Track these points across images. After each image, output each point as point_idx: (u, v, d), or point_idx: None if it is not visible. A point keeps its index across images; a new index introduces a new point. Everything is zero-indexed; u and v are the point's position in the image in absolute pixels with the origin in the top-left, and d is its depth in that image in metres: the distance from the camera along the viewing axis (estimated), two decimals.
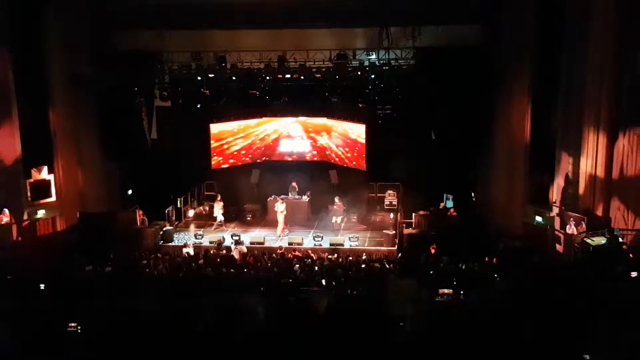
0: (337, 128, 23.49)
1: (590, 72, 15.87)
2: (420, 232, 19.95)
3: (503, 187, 20.30)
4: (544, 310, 8.83)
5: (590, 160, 16.05)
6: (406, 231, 20.19)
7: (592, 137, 15.98)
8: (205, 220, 23.06)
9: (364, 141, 22.50)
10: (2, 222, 18.10)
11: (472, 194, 22.38)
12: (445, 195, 21.29)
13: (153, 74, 21.85)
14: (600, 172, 15.82)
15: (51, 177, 20.32)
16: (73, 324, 7.01)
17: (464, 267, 15.18)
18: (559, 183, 17.53)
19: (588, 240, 14.43)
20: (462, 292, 10.82)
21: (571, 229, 16.00)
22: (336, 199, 21.77)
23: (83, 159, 22.04)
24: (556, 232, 16.70)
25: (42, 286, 11.89)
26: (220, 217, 22.10)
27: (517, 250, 16.93)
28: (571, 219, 16.14)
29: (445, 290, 10.79)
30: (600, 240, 14.34)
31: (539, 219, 18.15)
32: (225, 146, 23.83)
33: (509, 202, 20.00)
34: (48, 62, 20.07)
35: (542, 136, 18.24)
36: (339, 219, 21.61)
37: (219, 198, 22.29)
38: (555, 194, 17.85)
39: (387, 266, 16.33)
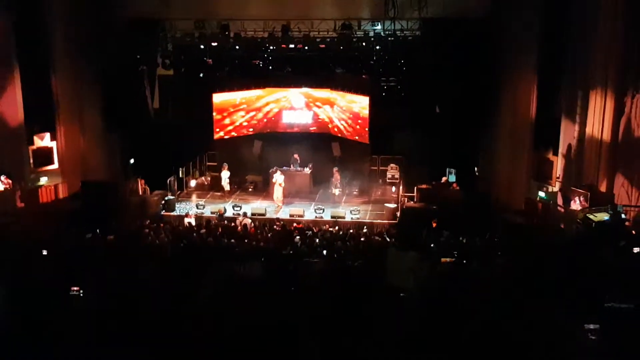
0: (340, 100, 23.31)
1: (600, 40, 15.66)
2: (422, 206, 19.88)
3: (506, 162, 20.18)
4: (544, 285, 8.82)
5: (597, 125, 15.86)
6: (407, 205, 20.14)
7: (598, 103, 15.79)
8: (207, 191, 23.07)
9: (367, 113, 22.33)
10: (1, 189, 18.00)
11: (475, 169, 22.28)
12: (447, 169, 21.19)
13: (156, 42, 21.68)
14: (606, 138, 15.64)
15: (53, 144, 20.27)
16: (75, 288, 7.03)
17: (465, 241, 15.18)
18: (562, 158, 17.44)
19: (590, 216, 14.37)
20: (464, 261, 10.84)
21: (574, 204, 15.93)
22: (334, 170, 21.74)
23: (85, 126, 21.91)
24: (559, 208, 16.64)
25: (44, 252, 11.91)
26: (227, 187, 22.08)
27: (519, 226, 16.89)
28: (574, 194, 16.07)
29: (448, 259, 10.82)
30: (603, 216, 14.28)
31: (542, 194, 18.08)
32: (228, 116, 23.70)
33: (512, 177, 19.90)
34: (51, 29, 19.87)
35: (547, 111, 18.10)
36: (336, 191, 21.60)
37: (226, 167, 22.23)
38: (559, 169, 17.77)
39: (388, 239, 16.35)
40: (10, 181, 18.10)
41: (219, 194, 22.45)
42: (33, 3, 19.17)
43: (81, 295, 6.95)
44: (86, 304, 6.69)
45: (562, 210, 16.32)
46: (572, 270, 9.41)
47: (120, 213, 18.02)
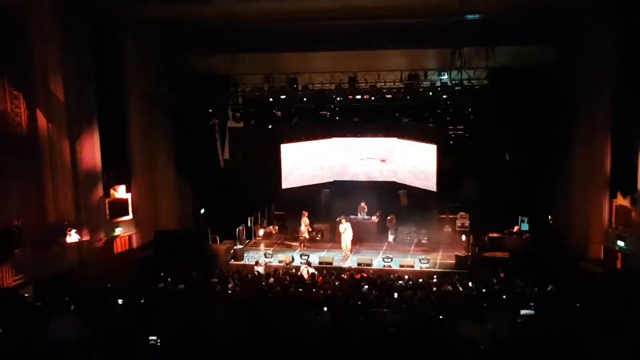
0: (408, 148, 23.27)
1: None
2: (494, 256, 19.40)
3: (582, 210, 19.52)
4: (625, 336, 8.39)
5: None
6: (479, 254, 19.70)
7: None
8: (275, 240, 23.26)
9: (434, 162, 22.17)
10: (69, 241, 18.58)
11: (549, 217, 21.64)
12: (520, 217, 20.70)
13: (227, 95, 22.33)
14: None
15: (128, 195, 20.96)
16: (153, 337, 7.15)
17: (539, 290, 14.67)
18: None
19: None
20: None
21: None
22: (389, 217, 21.77)
23: (158, 177, 22.69)
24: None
25: (119, 301, 12.21)
26: (306, 234, 22.28)
27: (597, 275, 16.23)
28: None
29: (527, 311, 10.48)
30: None
31: (621, 243, 17.33)
32: (296, 166, 23.99)
33: (588, 226, 19.20)
34: (127, 83, 20.89)
35: (624, 157, 17.45)
36: (391, 237, 21.41)
37: (306, 214, 22.42)
38: (638, 217, 17.01)
39: (460, 289, 15.96)
40: (80, 234, 18.67)
41: (294, 242, 22.66)
42: (111, 59, 20.10)
43: (159, 344, 7.05)
44: (164, 353, 6.77)
45: None
46: None
47: (191, 262, 18.28)
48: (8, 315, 10.05)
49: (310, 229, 22.50)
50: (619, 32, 17.41)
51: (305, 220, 22.33)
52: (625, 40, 17.18)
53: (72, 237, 18.42)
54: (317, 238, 22.86)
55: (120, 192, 20.69)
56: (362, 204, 22.67)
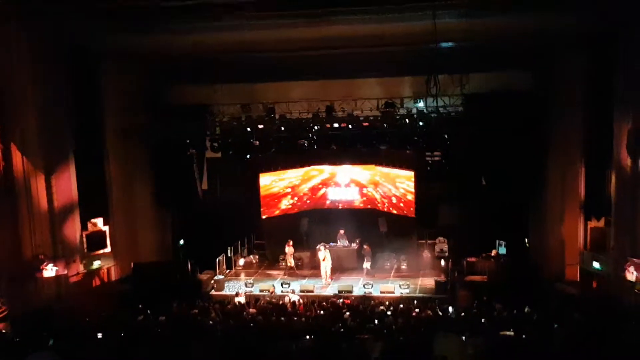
0: (386, 175, 23.49)
1: None
2: (472, 280, 19.56)
3: (558, 233, 19.82)
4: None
5: None
6: (457, 278, 19.84)
7: None
8: (255, 269, 23.23)
9: (412, 188, 22.39)
10: (46, 276, 18.33)
11: (526, 240, 21.91)
12: (497, 241, 20.93)
13: (204, 125, 22.40)
14: None
15: (107, 228, 20.79)
16: None
17: (517, 313, 14.80)
18: (616, 227, 16.95)
19: None
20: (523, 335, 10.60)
21: (630, 275, 15.42)
22: (365, 245, 21.87)
23: (137, 209, 22.56)
24: (615, 279, 16.14)
25: (99, 335, 12.08)
26: (291, 262, 22.27)
27: (573, 297, 16.43)
28: (630, 265, 15.57)
29: (507, 333, 10.60)
30: None
31: (596, 265, 17.60)
32: (275, 195, 24.05)
33: (564, 248, 19.49)
34: (104, 114, 20.78)
35: (598, 180, 17.81)
36: (368, 265, 21.50)
37: (290, 243, 22.43)
38: (612, 239, 17.30)
39: (440, 313, 16.06)
40: (57, 267, 18.46)
41: (274, 271, 22.80)
42: (87, 90, 20.01)
43: None
44: None
45: (619, 281, 15.81)
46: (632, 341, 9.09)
47: (171, 294, 18.14)
48: None
49: (294, 257, 22.49)
50: (590, 60, 17.90)
51: (289, 249, 22.33)
52: (595, 68, 17.65)
53: (50, 271, 18.21)
54: (298, 264, 22.85)
55: (98, 224, 20.52)
56: (341, 231, 22.75)
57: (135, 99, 21.88)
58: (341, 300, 18.22)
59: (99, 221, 20.51)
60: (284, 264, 23.20)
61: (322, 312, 16.43)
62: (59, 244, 18.88)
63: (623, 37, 16.19)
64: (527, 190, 20.93)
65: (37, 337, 12.14)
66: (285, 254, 22.64)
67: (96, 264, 20.31)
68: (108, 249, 20.73)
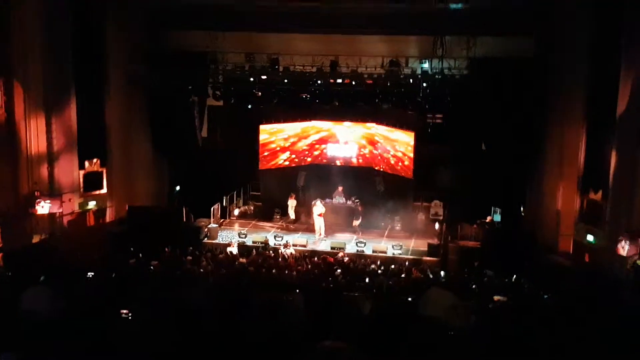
0: (386, 135, 23.37)
1: None
2: (466, 245, 19.65)
3: (553, 203, 19.80)
4: (592, 331, 8.58)
5: None
6: (451, 242, 19.93)
7: None
8: (250, 220, 23.28)
9: (411, 149, 22.29)
10: (40, 212, 18.40)
11: (521, 209, 21.94)
12: (492, 208, 20.95)
13: (207, 73, 22.15)
14: None
15: (103, 169, 20.80)
16: (125, 311, 7.17)
17: (509, 281, 14.92)
18: (613, 202, 16.93)
19: None
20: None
21: (624, 249, 15.47)
22: (354, 200, 21.98)
23: (134, 153, 22.53)
24: (608, 253, 16.20)
25: (90, 274, 12.16)
26: (292, 215, 22.23)
27: (566, 268, 16.52)
28: (624, 239, 15.60)
29: (500, 297, 10.70)
30: None
31: (590, 237, 17.64)
32: (274, 147, 23.96)
33: (559, 219, 19.51)
34: (106, 59, 20.70)
35: (597, 152, 17.71)
36: (358, 222, 21.51)
37: (293, 196, 22.42)
38: (608, 213, 17.30)
39: (430, 276, 16.17)
40: (52, 205, 18.50)
41: (268, 223, 22.84)
42: (90, 36, 19.95)
43: (130, 317, 7.08)
44: (136, 327, 6.79)
45: (612, 254, 15.86)
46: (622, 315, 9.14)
47: (164, 239, 18.21)
48: None
49: (295, 210, 22.48)
50: (594, 26, 17.58)
51: (292, 202, 22.31)
52: (599, 36, 17.37)
53: (44, 208, 18.26)
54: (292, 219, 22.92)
55: (96, 165, 20.52)
56: (340, 189, 22.72)
57: (138, 44, 21.65)
58: (340, 254, 18.30)
59: (96, 162, 20.52)
60: (278, 216, 23.26)
61: (310, 267, 16.51)
62: (55, 181, 18.93)
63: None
64: (526, 157, 20.87)
65: (29, 272, 12.22)
66: (287, 206, 22.61)
67: (91, 204, 20.42)
68: (104, 190, 20.85)
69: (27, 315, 7.01)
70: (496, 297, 11.07)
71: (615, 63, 16.37)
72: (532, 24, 19.75)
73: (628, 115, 16.10)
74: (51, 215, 18.65)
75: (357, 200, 22.10)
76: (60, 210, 18.79)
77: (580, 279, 14.78)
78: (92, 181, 20.51)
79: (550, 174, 20.19)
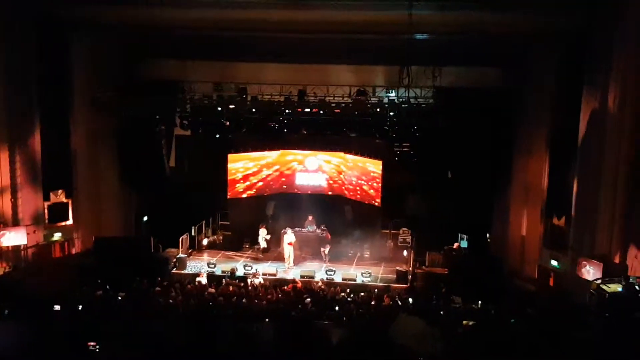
0: (355, 163, 23.56)
1: (610, 123, 15.83)
2: (433, 271, 19.81)
3: (519, 229, 20.20)
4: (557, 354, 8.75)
5: (610, 195, 15.77)
6: (419, 269, 20.08)
7: (611, 174, 15.81)
8: (219, 250, 23.13)
9: (379, 177, 22.49)
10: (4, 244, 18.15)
11: (487, 235, 22.27)
12: (459, 235, 21.20)
13: (175, 102, 22.14)
14: (620, 209, 15.61)
15: (69, 200, 20.54)
16: (92, 343, 7.10)
17: (476, 307, 15.09)
18: (576, 227, 17.34)
19: (604, 287, 14.25)
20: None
21: (587, 274, 15.80)
22: (324, 228, 22.03)
23: (101, 183, 22.26)
24: (572, 277, 16.52)
25: (56, 307, 11.97)
26: (263, 244, 22.15)
27: (531, 293, 16.77)
28: (587, 264, 15.96)
29: (470, 323, 10.81)
30: (617, 287, 14.16)
31: (554, 262, 18.00)
32: (242, 177, 23.95)
33: (524, 245, 19.88)
34: (72, 87, 20.52)
35: (560, 178, 18.16)
36: (327, 250, 21.63)
37: (264, 225, 22.30)
38: (571, 238, 17.70)
39: (399, 303, 16.25)
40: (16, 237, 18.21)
41: (238, 253, 22.66)
42: (56, 62, 19.76)
43: (97, 350, 7.01)
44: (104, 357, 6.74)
45: (575, 279, 16.18)
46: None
47: (132, 270, 17.98)
48: None
49: (266, 240, 22.38)
50: (558, 59, 18.17)
51: (263, 232, 22.23)
52: (563, 68, 17.94)
53: (8, 240, 17.95)
54: (264, 248, 22.82)
55: (61, 196, 20.27)
56: (310, 218, 22.74)
57: (105, 72, 21.48)
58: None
59: (62, 193, 20.27)
60: (247, 245, 23.17)
61: (280, 295, 16.47)
62: (19, 213, 18.63)
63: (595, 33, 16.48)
64: (491, 185, 21.25)
65: None
66: (256, 235, 22.51)
67: (57, 235, 20.14)
68: (70, 222, 20.56)
69: None
70: (465, 322, 11.19)
71: (577, 95, 16.95)
72: (497, 55, 20.25)
73: (588, 144, 16.63)
74: (15, 247, 18.35)
75: (324, 228, 22.17)
76: (25, 243, 18.48)
77: (544, 304, 14.99)
78: (57, 212, 20.22)
79: (515, 200, 20.60)
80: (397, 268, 20.06)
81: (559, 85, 18.25)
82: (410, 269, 19.97)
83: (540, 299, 16.26)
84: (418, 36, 18.62)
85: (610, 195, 15.78)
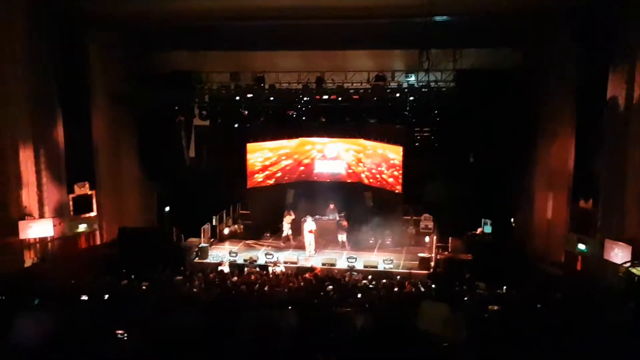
0: (374, 149, 23.43)
1: (637, 102, 15.47)
2: (456, 257, 19.66)
3: (544, 213, 19.88)
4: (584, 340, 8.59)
5: (637, 192, 15.51)
6: (442, 255, 19.95)
7: (637, 174, 15.51)
8: (240, 239, 23.19)
9: (400, 163, 22.34)
10: (31, 237, 18.32)
11: (512, 220, 22.00)
12: (483, 220, 21.00)
13: (193, 93, 22.16)
14: None
15: (93, 192, 20.75)
16: (120, 331, 7.16)
17: (501, 292, 14.93)
18: (603, 210, 16.99)
19: (633, 270, 14.04)
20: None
21: (615, 258, 15.52)
22: (341, 217, 22.03)
23: (123, 174, 22.44)
24: (599, 261, 16.25)
25: (83, 297, 12.10)
26: (289, 231, 22.11)
27: (557, 278, 16.55)
28: (615, 247, 15.66)
29: (495, 307, 10.73)
30: None
31: (581, 246, 17.70)
32: (261, 166, 23.95)
33: (550, 229, 19.58)
34: (90, 81, 20.63)
35: (587, 160, 17.81)
36: (344, 237, 21.51)
37: (290, 212, 22.25)
38: (599, 221, 17.38)
39: (422, 290, 16.15)
40: (43, 229, 18.41)
41: (258, 241, 22.73)
42: (74, 57, 19.84)
43: (126, 338, 7.06)
44: (132, 347, 6.77)
45: (603, 263, 15.92)
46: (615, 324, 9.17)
47: (155, 261, 18.10)
48: None
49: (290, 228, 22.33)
50: (580, 37, 17.79)
51: (288, 218, 22.18)
52: (586, 46, 17.56)
53: (35, 232, 18.17)
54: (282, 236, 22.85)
55: (85, 188, 20.47)
56: (331, 206, 22.71)
57: (123, 64, 21.58)
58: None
59: (86, 185, 20.47)
60: (268, 234, 23.21)
61: (302, 283, 16.46)
62: (45, 206, 18.84)
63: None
64: (515, 168, 20.96)
65: (22, 297, 12.13)
66: (276, 223, 22.53)
67: (82, 227, 20.37)
68: (94, 213, 20.76)
69: (21, 340, 6.95)
70: (490, 307, 11.08)
71: (603, 71, 16.55)
72: (517, 36, 19.91)
73: (615, 123, 16.27)
74: (42, 239, 18.58)
75: (341, 215, 22.11)
76: (51, 234, 18.69)
77: (571, 288, 14.79)
78: (81, 204, 20.44)
79: (540, 184, 20.27)
80: (420, 254, 19.96)
81: (582, 65, 17.86)
82: (433, 255, 19.85)
83: (567, 284, 16.01)
84: (437, 18, 18.39)
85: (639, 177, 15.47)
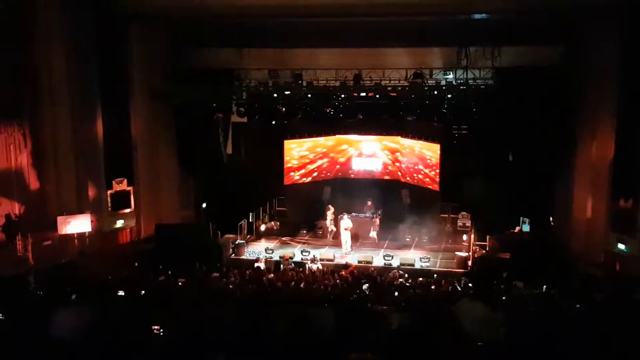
0: (411, 147, 23.28)
1: None
2: (494, 256, 19.40)
3: (584, 212, 19.51)
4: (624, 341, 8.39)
5: None
6: (479, 253, 19.71)
7: None
8: (276, 236, 23.27)
9: (437, 161, 22.15)
10: (70, 232, 18.66)
11: (551, 218, 21.62)
12: (521, 218, 20.68)
13: (231, 90, 22.30)
14: None
15: (130, 188, 21.03)
16: (156, 327, 7.24)
17: (540, 292, 14.68)
18: None
19: None
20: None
21: None
22: (375, 215, 21.94)
23: (161, 171, 22.70)
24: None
25: (120, 292, 12.26)
26: (331, 227, 22.11)
27: (596, 279, 16.22)
28: None
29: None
30: None
31: (621, 246, 17.33)
32: (297, 164, 24.00)
33: (589, 228, 19.21)
34: (131, 76, 20.90)
35: (628, 159, 17.44)
36: (374, 234, 21.39)
37: (331, 207, 22.22)
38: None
39: (459, 288, 15.99)
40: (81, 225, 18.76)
41: (295, 238, 22.79)
42: (116, 49, 20.13)
43: (162, 334, 7.13)
44: (167, 342, 6.84)
45: None
46: None
47: (192, 257, 18.29)
48: (12, 302, 10.08)
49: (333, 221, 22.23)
50: (623, 33, 17.39)
51: (330, 215, 22.22)
52: (628, 42, 17.16)
53: (73, 227, 18.50)
54: (319, 233, 22.84)
55: (123, 184, 20.76)
56: (369, 203, 22.64)
57: (162, 61, 21.84)
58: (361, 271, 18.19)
59: (124, 181, 20.76)
60: (304, 231, 23.24)
61: (339, 281, 16.45)
62: (84, 201, 19.17)
63: None
64: (554, 167, 20.60)
65: (61, 291, 12.36)
66: (313, 221, 22.67)
67: (119, 223, 20.66)
68: (131, 209, 21.05)
69: (58, 334, 7.09)
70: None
71: None
72: (557, 33, 19.53)
73: None
74: (80, 234, 18.91)
75: (376, 213, 22.04)
76: (89, 230, 19.02)
77: (611, 289, 14.47)
78: (119, 200, 20.74)
79: (579, 183, 19.90)
80: (457, 253, 19.77)
81: (625, 64, 17.45)
82: (470, 253, 19.63)
83: (606, 284, 15.68)
84: (476, 16, 18.16)
85: None
